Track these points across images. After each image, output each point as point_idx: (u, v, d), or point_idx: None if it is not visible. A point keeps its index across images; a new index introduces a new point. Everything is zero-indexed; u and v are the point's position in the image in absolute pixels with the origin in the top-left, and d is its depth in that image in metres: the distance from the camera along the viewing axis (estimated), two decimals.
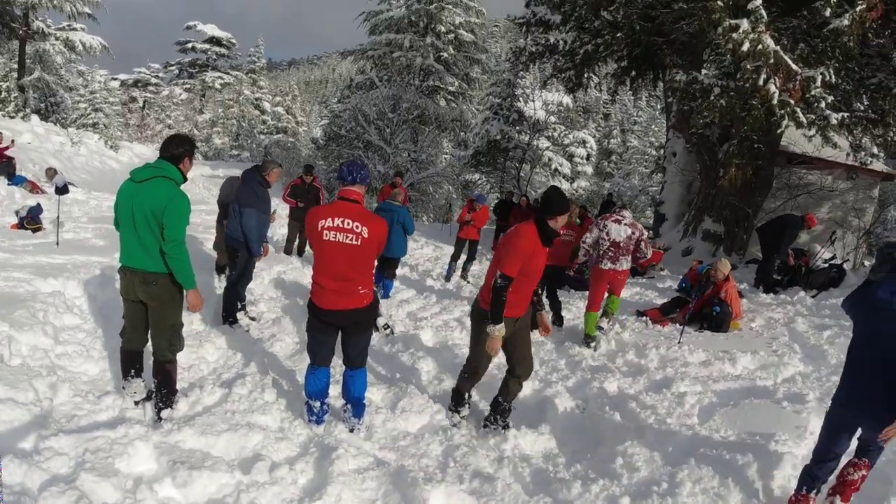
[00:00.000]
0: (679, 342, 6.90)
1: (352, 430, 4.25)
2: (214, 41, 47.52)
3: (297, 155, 36.28)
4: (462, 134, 27.78)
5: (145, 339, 4.24)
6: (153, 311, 4.05)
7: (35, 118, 22.03)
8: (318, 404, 4.23)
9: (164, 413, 4.15)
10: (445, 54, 25.17)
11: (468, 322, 6.93)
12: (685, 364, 6.19)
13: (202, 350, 5.57)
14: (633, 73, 16.17)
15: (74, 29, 28.44)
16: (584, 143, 36.58)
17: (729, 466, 4.02)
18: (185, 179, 4.07)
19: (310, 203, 9.52)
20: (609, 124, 68.70)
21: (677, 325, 7.65)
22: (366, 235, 3.88)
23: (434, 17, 24.75)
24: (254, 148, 40.51)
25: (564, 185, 29.55)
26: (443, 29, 25.01)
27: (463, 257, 10.62)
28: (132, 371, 4.24)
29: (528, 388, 5.26)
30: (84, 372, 4.88)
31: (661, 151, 38.69)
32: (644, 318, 7.81)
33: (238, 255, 6.31)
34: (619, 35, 13.02)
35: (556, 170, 29.77)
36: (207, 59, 47.96)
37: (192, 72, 48.33)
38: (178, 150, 4.00)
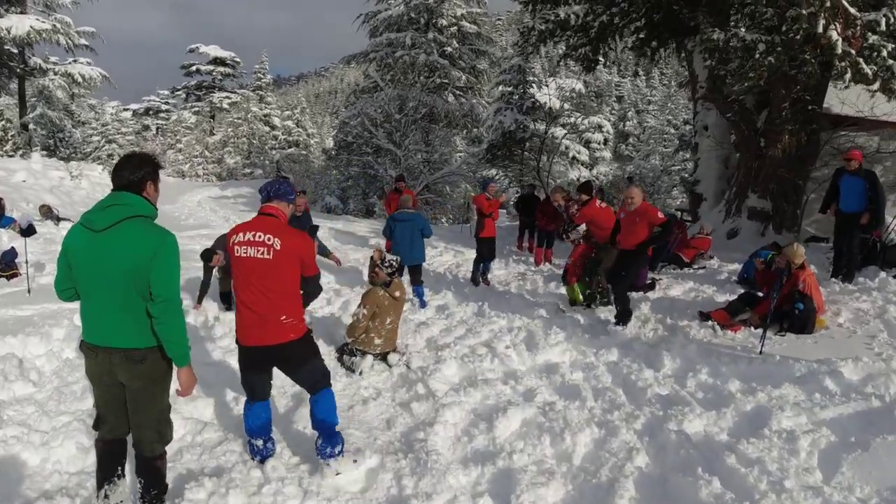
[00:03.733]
0: (760, 352, 5.66)
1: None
2: (218, 61, 47.20)
3: (309, 167, 35.57)
4: (475, 130, 26.62)
5: (127, 426, 3.18)
6: (136, 394, 3.05)
7: (36, 155, 21.45)
8: (260, 442, 3.83)
9: None
10: (449, 48, 23.99)
11: (499, 346, 5.89)
12: (776, 384, 4.93)
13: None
14: (654, 42, 14.81)
15: (74, 62, 27.98)
16: (599, 127, 35.28)
17: None
18: (156, 211, 3.04)
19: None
20: (623, 107, 67.15)
21: (752, 327, 6.38)
22: (278, 248, 3.48)
23: (434, 12, 23.60)
24: (266, 164, 40.07)
25: (584, 173, 28.25)
26: (444, 22, 23.85)
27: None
28: (118, 470, 3.22)
29: (587, 437, 4.08)
30: (24, 462, 3.83)
31: (689, 127, 37.13)
32: (710, 322, 6.55)
33: None
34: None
35: (573, 158, 28.46)
36: (213, 80, 47.69)
37: (200, 94, 48.15)
38: (136, 175, 2.96)
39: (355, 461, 3.71)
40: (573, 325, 6.81)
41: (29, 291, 7.17)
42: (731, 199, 13.40)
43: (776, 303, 5.91)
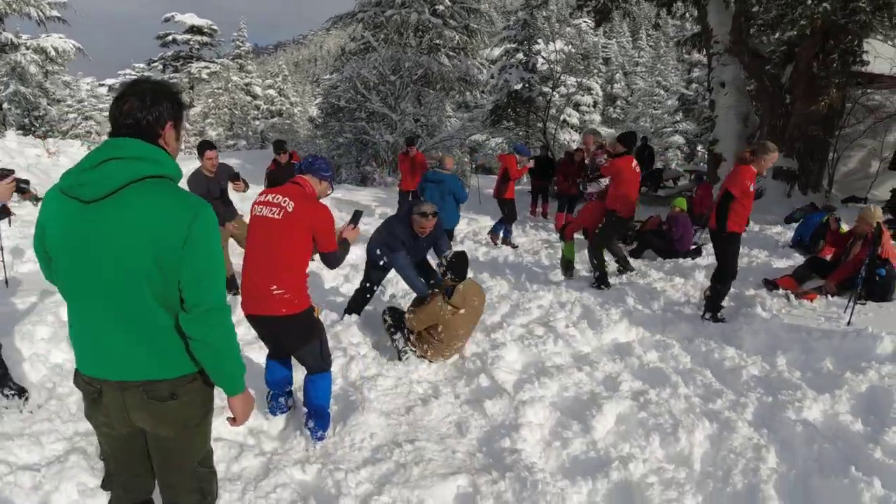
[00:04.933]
0: (849, 323, 5.08)
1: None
2: (195, 30, 45.12)
3: (295, 137, 34.44)
4: (468, 94, 25.62)
5: (152, 483, 2.25)
6: (165, 445, 2.09)
7: (11, 133, 20.20)
8: (271, 393, 3.82)
9: None
10: (441, 6, 22.84)
11: (558, 325, 5.24)
12: (880, 360, 4.37)
13: None
14: None
15: (46, 36, 26.48)
16: (589, 90, 34.37)
17: None
18: (180, 170, 2.00)
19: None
20: (611, 69, 65.91)
21: (828, 295, 5.81)
22: (290, 210, 3.34)
23: None
24: (249, 135, 38.87)
25: (574, 136, 27.47)
26: None
27: None
28: None
29: (700, 434, 3.47)
30: None
31: (686, 87, 36.38)
32: (780, 290, 5.96)
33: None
34: None
35: (564, 121, 27.63)
36: (191, 50, 45.62)
37: (177, 65, 46.15)
38: (151, 112, 1.88)
39: None
40: (626, 295, 6.19)
41: (7, 283, 6.23)
42: None
43: (865, 270, 5.32)
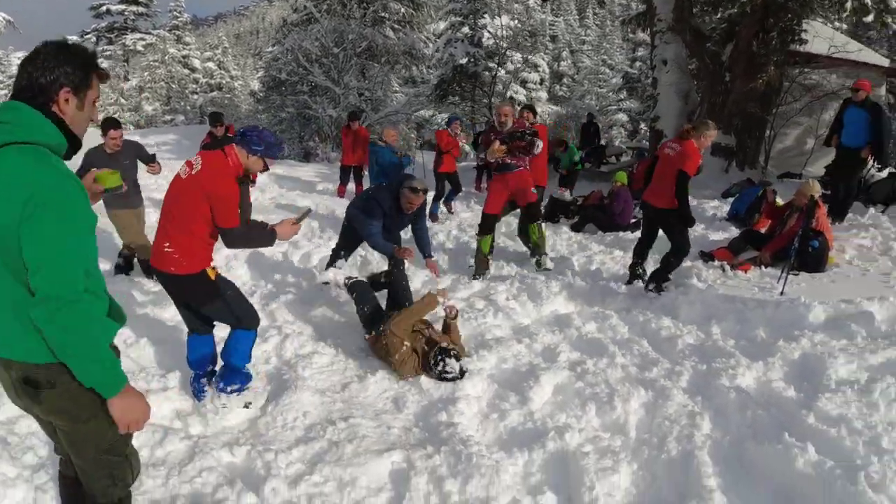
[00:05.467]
0: (782, 293, 5.20)
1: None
2: (130, 0, 42.92)
3: (236, 112, 33.29)
4: (414, 68, 25.24)
5: None
6: (64, 431, 1.94)
7: None
8: (194, 374, 3.68)
9: None
10: None
11: (499, 297, 5.18)
12: (812, 328, 4.47)
13: None
14: None
15: None
16: (536, 67, 34.43)
17: None
18: (75, 146, 1.84)
19: None
20: (557, 47, 66.25)
21: (762, 266, 5.95)
22: (194, 172, 3.23)
23: None
24: (188, 110, 37.42)
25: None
26: None
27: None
28: None
29: (636, 402, 3.47)
30: None
31: (630, 66, 36.83)
32: (716, 262, 6.07)
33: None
34: None
35: (510, 98, 27.64)
36: (125, 21, 43.39)
37: (111, 37, 43.87)
38: (46, 74, 1.74)
39: (247, 406, 3.54)
40: (566, 268, 6.19)
41: None
42: None
43: (798, 241, 5.44)
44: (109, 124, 5.50)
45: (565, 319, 4.88)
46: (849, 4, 7.90)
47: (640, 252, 5.85)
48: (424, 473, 2.75)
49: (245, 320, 3.50)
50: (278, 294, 5.28)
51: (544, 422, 3.28)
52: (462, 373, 3.80)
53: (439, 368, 3.76)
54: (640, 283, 5.70)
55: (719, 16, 9.62)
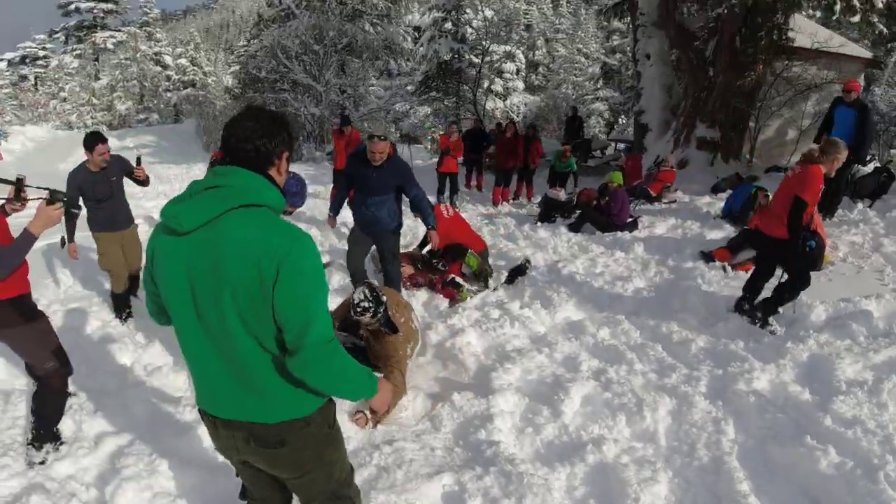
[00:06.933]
0: None
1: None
2: None
3: (211, 109, 32.79)
4: (392, 63, 25.17)
5: (289, 496, 2.28)
6: (291, 483, 2.05)
7: None
8: None
9: None
10: None
11: (512, 306, 5.30)
12: (817, 328, 4.69)
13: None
14: None
15: None
16: (512, 57, 34.49)
17: None
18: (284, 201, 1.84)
19: None
20: (532, 35, 66.25)
21: None
22: None
23: None
24: (162, 108, 36.83)
25: (499, 104, 27.53)
26: None
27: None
28: None
29: (662, 410, 3.63)
30: None
31: (608, 57, 37.02)
32: (716, 263, 6.26)
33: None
34: None
35: (488, 88, 27.69)
36: (95, 19, 42.42)
37: (80, 35, 42.88)
38: (269, 142, 1.77)
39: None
40: (572, 272, 6.34)
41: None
42: (679, 129, 13.26)
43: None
44: (95, 139, 4.77)
45: (579, 326, 5.02)
46: (837, 7, 8.11)
47: (751, 287, 5.17)
48: (478, 496, 2.85)
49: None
50: None
51: (579, 434, 3.42)
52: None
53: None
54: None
55: (707, 14, 9.80)
